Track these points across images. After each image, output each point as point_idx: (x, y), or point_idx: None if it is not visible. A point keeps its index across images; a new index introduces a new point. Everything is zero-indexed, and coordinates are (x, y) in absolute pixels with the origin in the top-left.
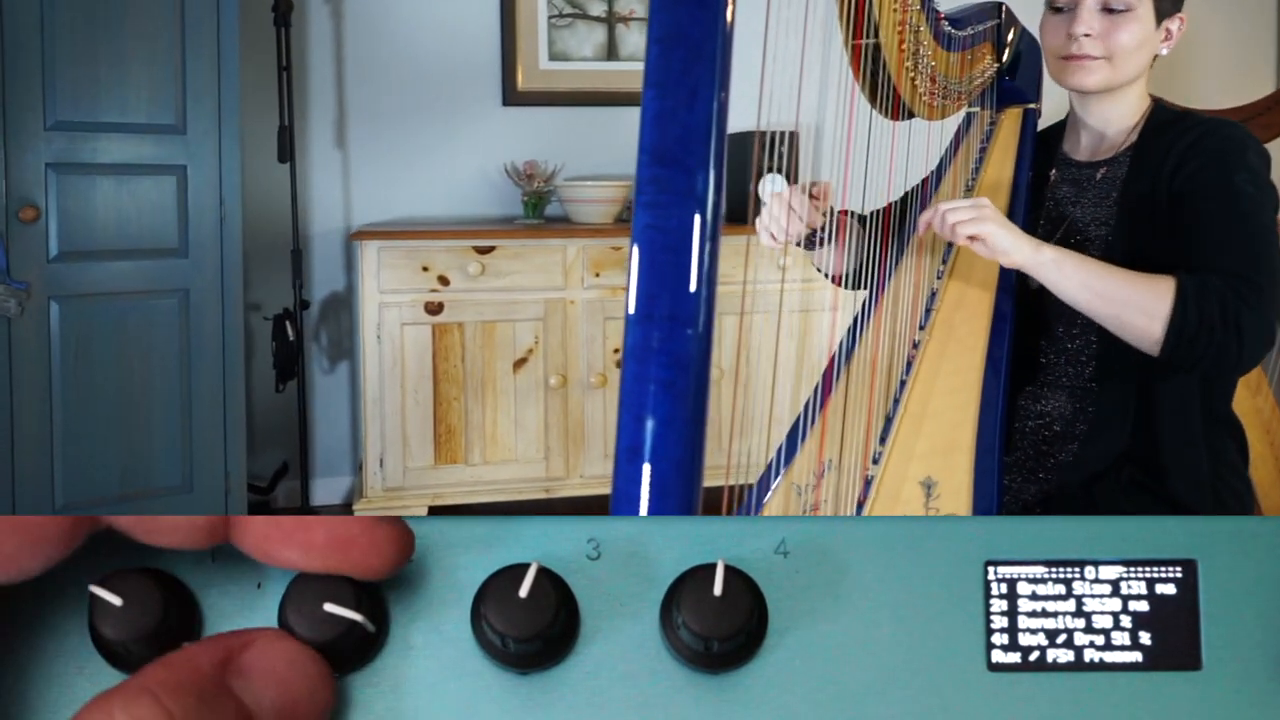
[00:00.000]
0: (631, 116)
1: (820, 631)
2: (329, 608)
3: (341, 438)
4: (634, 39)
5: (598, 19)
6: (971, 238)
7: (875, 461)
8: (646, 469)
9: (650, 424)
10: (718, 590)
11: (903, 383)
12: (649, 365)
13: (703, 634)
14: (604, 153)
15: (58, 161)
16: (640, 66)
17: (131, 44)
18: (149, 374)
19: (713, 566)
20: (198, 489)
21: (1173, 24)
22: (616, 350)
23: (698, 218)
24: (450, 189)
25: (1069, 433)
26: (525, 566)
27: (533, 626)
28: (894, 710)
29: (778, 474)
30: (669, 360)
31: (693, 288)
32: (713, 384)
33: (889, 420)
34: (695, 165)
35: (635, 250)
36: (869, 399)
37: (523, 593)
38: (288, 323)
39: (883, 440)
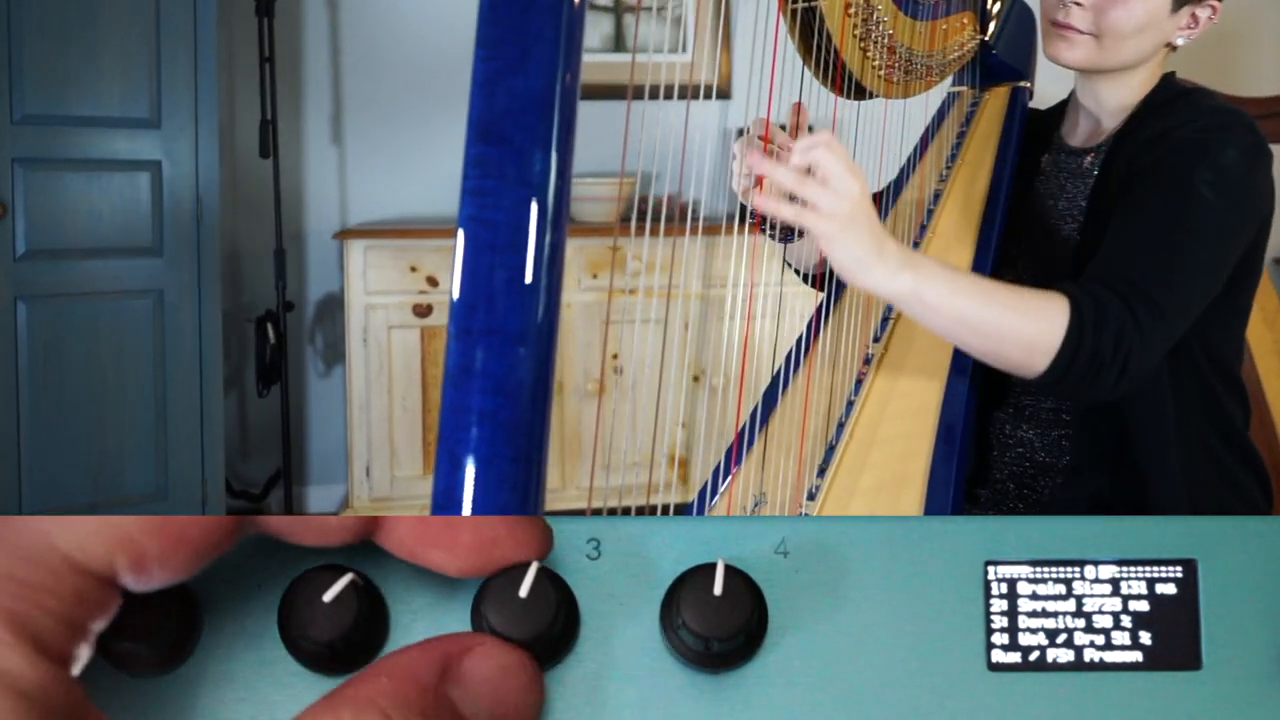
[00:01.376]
0: (641, 110)
1: (820, 631)
2: (327, 598)
3: (337, 444)
4: (643, 29)
5: (604, 8)
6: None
7: (811, 497)
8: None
9: (469, 465)
10: (718, 590)
11: (850, 404)
12: (469, 392)
13: (703, 634)
14: (611, 147)
15: (26, 156)
16: (653, 59)
17: (104, 34)
18: (122, 378)
19: (713, 566)
20: (173, 496)
21: (1202, 11)
22: (616, 356)
23: (533, 208)
24: (451, 186)
25: (1054, 465)
26: (525, 566)
27: (533, 626)
28: (894, 710)
29: (709, 502)
30: (493, 385)
31: (524, 296)
32: (715, 391)
33: (831, 448)
34: (529, 143)
35: (458, 248)
36: (803, 422)
37: (523, 593)
38: (269, 325)
39: (821, 472)
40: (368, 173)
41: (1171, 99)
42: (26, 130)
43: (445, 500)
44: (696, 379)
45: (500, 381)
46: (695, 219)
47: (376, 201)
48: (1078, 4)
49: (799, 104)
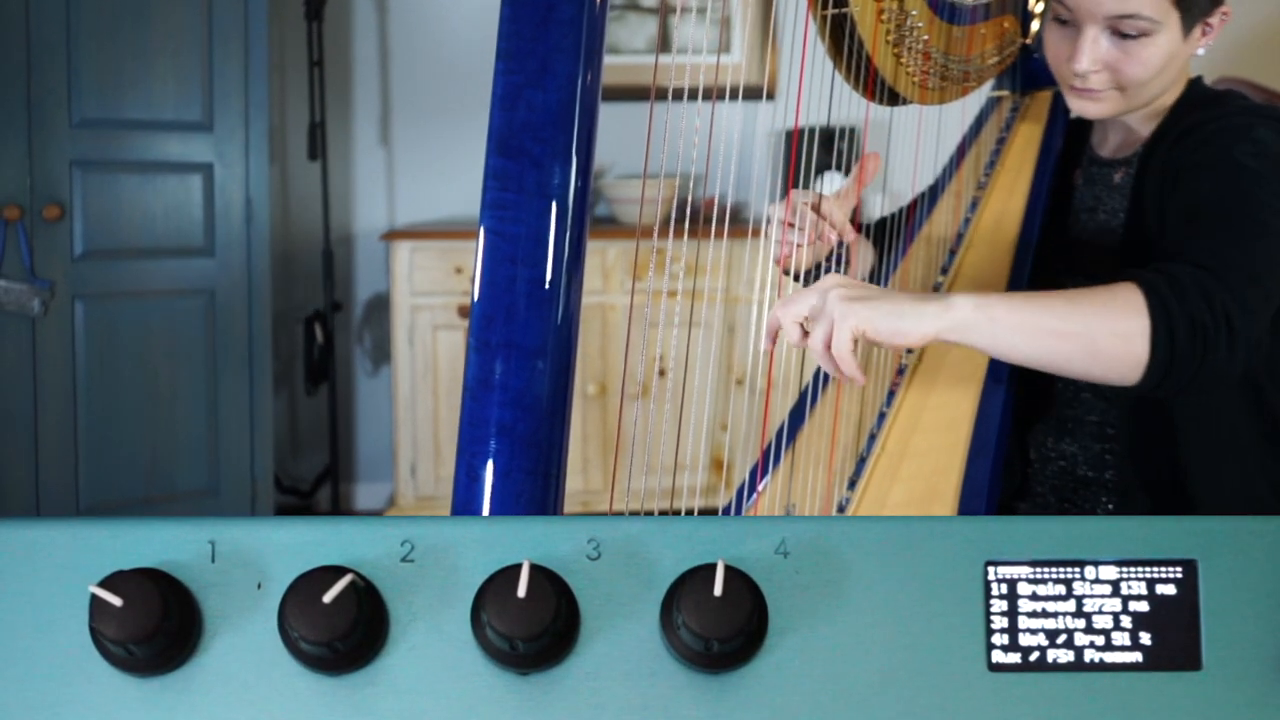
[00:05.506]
0: (686, 112)
1: (820, 631)
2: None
3: (384, 442)
4: (688, 30)
5: (650, 10)
6: (834, 345)
7: (841, 510)
8: None
9: (486, 478)
10: (718, 590)
11: (882, 416)
12: (487, 404)
13: (703, 634)
14: (655, 149)
15: (83, 159)
16: (697, 60)
17: (157, 39)
18: (174, 375)
19: (713, 566)
20: (224, 492)
21: (1212, 19)
22: (660, 358)
23: (553, 221)
24: None
25: (1096, 479)
26: (521, 566)
27: (533, 626)
28: (894, 710)
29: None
30: (511, 398)
31: (543, 309)
32: (759, 395)
33: (862, 460)
34: (547, 157)
35: (477, 260)
36: (833, 433)
37: (521, 592)
38: (317, 325)
39: (852, 485)
40: (415, 174)
41: (1200, 104)
42: (83, 134)
43: (463, 513)
44: (740, 382)
45: (519, 395)
46: (739, 221)
47: (424, 203)
48: (1093, 72)
49: (874, 155)
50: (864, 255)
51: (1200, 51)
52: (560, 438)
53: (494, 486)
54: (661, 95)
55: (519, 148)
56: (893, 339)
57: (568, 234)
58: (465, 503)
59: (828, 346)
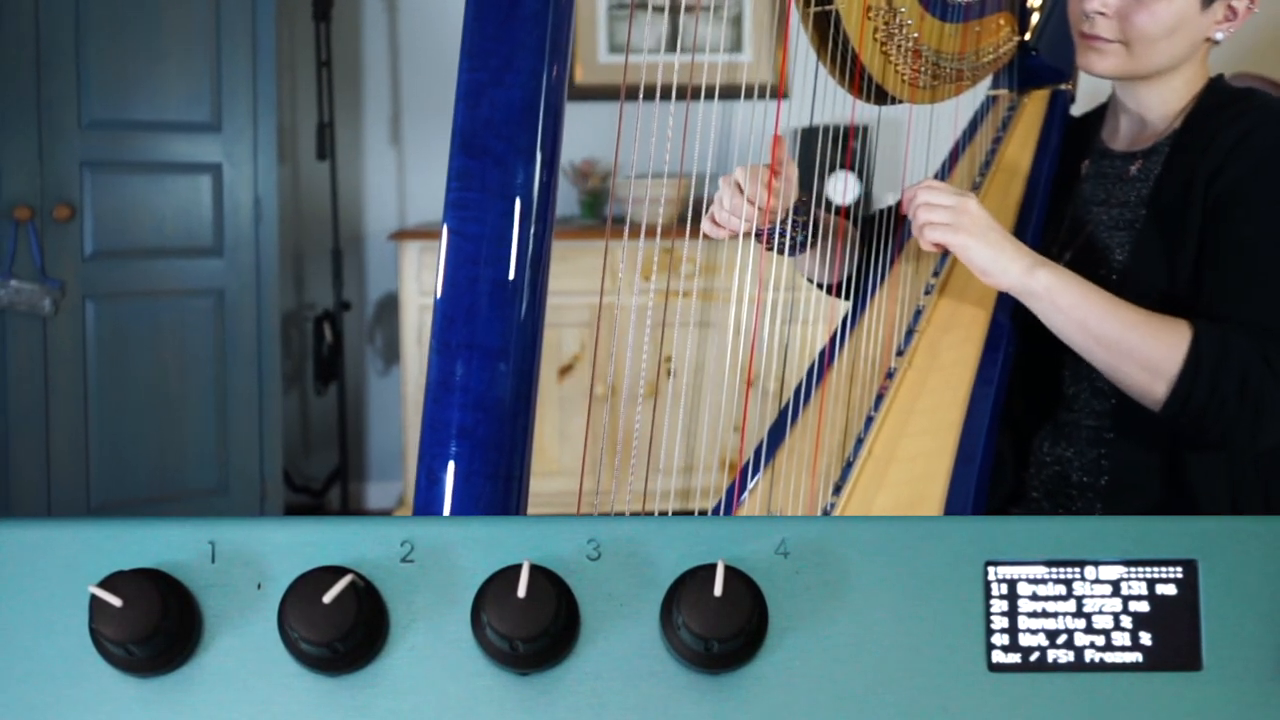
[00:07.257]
0: (696, 111)
1: (820, 632)
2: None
3: (396, 441)
4: (699, 29)
5: (659, 8)
6: (937, 245)
7: (826, 515)
8: None
9: (447, 480)
10: (718, 591)
11: (870, 420)
12: (448, 406)
13: (703, 634)
14: (662, 149)
15: (92, 160)
16: (707, 59)
17: (166, 41)
18: (184, 374)
19: (713, 567)
20: (233, 491)
21: (1238, 2)
22: (669, 359)
23: (515, 221)
24: None
25: (1093, 484)
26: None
27: (532, 627)
28: (894, 710)
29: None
30: (471, 400)
31: (505, 310)
32: (768, 396)
33: (849, 465)
34: (510, 155)
35: (439, 260)
36: (816, 438)
37: (521, 592)
38: (327, 325)
39: (838, 490)
40: (424, 174)
41: (1226, 102)
42: (93, 134)
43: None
44: (750, 383)
45: (480, 397)
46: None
47: (433, 202)
48: (1101, 14)
49: (778, 137)
50: (848, 240)
51: (1219, 36)
52: (523, 441)
53: (454, 490)
54: (676, 94)
55: (482, 146)
56: (981, 274)
57: (531, 233)
58: (425, 506)
59: (927, 224)
